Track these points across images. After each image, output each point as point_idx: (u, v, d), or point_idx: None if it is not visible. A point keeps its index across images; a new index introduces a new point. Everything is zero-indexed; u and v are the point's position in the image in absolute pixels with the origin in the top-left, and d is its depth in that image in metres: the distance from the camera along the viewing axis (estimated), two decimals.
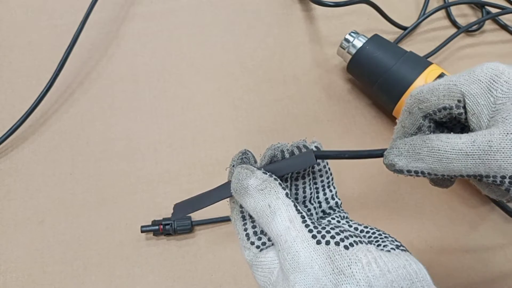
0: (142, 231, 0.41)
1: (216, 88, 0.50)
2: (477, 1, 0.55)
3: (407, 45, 0.53)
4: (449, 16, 0.55)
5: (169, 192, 0.44)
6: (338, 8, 0.50)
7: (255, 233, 0.25)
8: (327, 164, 0.29)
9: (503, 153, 0.22)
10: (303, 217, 0.24)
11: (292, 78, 0.50)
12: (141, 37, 0.52)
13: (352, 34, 0.46)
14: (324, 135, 0.47)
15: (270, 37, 0.53)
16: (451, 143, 0.24)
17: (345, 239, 0.22)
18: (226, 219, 0.42)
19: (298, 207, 0.24)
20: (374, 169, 0.45)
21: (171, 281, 0.40)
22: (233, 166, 0.27)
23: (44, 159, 0.45)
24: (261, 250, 0.25)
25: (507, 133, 0.22)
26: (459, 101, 0.25)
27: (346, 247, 0.22)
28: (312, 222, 0.24)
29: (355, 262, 0.21)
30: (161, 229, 0.41)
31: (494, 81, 0.24)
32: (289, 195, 0.24)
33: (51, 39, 0.52)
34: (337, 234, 0.23)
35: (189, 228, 0.41)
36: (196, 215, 0.42)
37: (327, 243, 0.22)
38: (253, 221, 0.26)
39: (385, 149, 0.28)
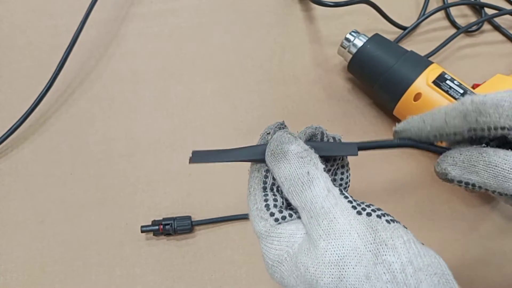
0: (142, 231, 0.41)
1: (216, 88, 0.50)
2: (477, 2, 0.55)
3: (407, 45, 0.53)
4: (448, 16, 0.55)
5: (169, 192, 0.44)
6: (338, 8, 0.50)
7: (275, 205, 0.24)
8: (349, 170, 0.28)
9: None
10: (340, 190, 0.23)
11: (292, 78, 0.50)
12: (141, 37, 0.52)
13: (352, 33, 0.47)
14: None
15: (270, 37, 0.53)
16: (509, 162, 0.24)
17: (385, 215, 0.22)
18: (226, 219, 0.42)
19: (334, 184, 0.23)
20: (374, 169, 0.45)
21: (171, 281, 0.40)
22: (269, 133, 0.26)
23: (44, 159, 0.45)
24: (280, 223, 0.23)
25: None
26: None
27: (388, 222, 0.21)
28: (350, 196, 0.23)
29: (397, 237, 0.20)
30: (161, 229, 0.41)
31: None
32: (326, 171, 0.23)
33: (51, 39, 0.52)
34: (377, 209, 0.22)
35: (189, 228, 0.41)
36: (196, 215, 0.43)
37: (368, 214, 0.21)
38: (274, 194, 0.24)
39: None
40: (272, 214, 0.24)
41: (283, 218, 0.24)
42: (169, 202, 0.43)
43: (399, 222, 0.22)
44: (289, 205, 0.25)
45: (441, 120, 0.26)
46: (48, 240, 0.42)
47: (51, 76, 0.46)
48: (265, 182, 0.25)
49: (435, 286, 0.19)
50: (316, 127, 0.26)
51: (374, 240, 0.20)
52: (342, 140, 0.27)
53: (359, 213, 0.21)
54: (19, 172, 0.45)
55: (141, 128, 0.47)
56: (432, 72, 0.43)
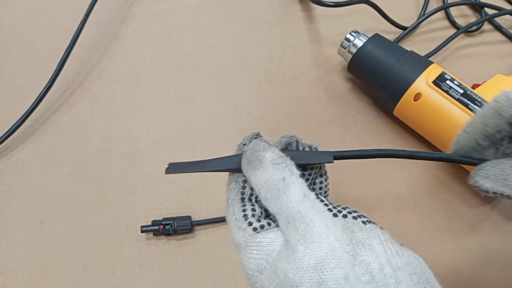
0: (142, 231, 0.41)
1: (216, 88, 0.50)
2: (477, 2, 0.55)
3: (407, 45, 0.53)
4: (448, 16, 0.55)
5: (169, 192, 0.44)
6: (338, 8, 0.50)
7: (253, 215, 0.24)
8: (328, 178, 0.28)
9: None
10: (316, 195, 0.23)
11: (292, 78, 0.50)
12: (141, 37, 0.52)
13: (352, 33, 0.47)
14: (324, 135, 0.47)
15: (270, 37, 0.53)
16: None
17: (361, 216, 0.22)
18: (226, 219, 0.42)
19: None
20: (373, 169, 0.45)
21: (171, 281, 0.40)
22: (245, 144, 0.26)
23: (44, 159, 0.45)
24: (258, 232, 0.23)
25: None
26: None
27: (364, 223, 0.21)
28: (326, 199, 0.23)
29: (374, 237, 0.20)
30: (161, 229, 0.41)
31: None
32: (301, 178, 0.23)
33: (51, 39, 0.52)
34: (353, 211, 0.22)
35: (189, 228, 0.41)
36: (196, 215, 0.43)
37: (344, 216, 0.21)
38: (252, 204, 0.25)
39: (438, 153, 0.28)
40: (250, 224, 0.24)
41: (262, 227, 0.24)
42: (169, 202, 0.43)
43: (375, 223, 0.22)
44: (267, 215, 0.25)
45: (481, 124, 0.27)
46: (48, 240, 0.42)
47: (51, 76, 0.46)
48: (243, 193, 0.25)
49: (415, 285, 0.19)
50: (291, 136, 0.26)
51: (351, 241, 0.20)
52: (319, 149, 0.27)
53: (335, 215, 0.21)
54: (19, 172, 0.45)
55: (141, 128, 0.47)
56: (432, 72, 0.43)
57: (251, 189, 0.25)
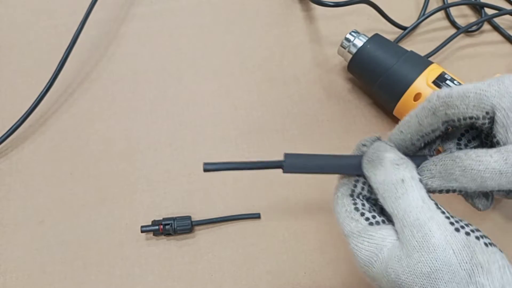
0: (142, 231, 0.41)
1: (216, 88, 0.50)
2: (477, 2, 0.55)
3: (407, 45, 0.53)
4: (448, 16, 0.55)
5: (169, 192, 0.44)
6: (338, 8, 0.50)
7: (363, 209, 0.25)
8: None
9: None
10: (436, 204, 0.23)
11: (292, 78, 0.50)
12: (141, 37, 0.52)
13: (352, 33, 0.47)
14: (324, 135, 0.47)
15: (270, 37, 0.53)
16: (483, 162, 0.24)
17: (484, 237, 0.22)
18: (226, 219, 0.42)
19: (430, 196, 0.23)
20: None
21: (171, 281, 0.40)
22: (364, 145, 0.26)
23: (44, 159, 0.45)
24: (371, 224, 0.24)
25: None
26: (487, 112, 0.25)
27: (486, 244, 0.22)
28: (447, 211, 0.23)
29: (493, 262, 0.21)
30: (161, 229, 0.41)
31: None
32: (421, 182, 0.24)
33: (51, 39, 0.52)
34: (476, 230, 0.23)
35: (189, 228, 0.41)
36: (196, 215, 0.43)
37: (467, 234, 0.22)
38: (362, 200, 0.25)
39: None
40: (362, 214, 0.24)
41: (373, 217, 0.24)
42: (169, 202, 0.43)
43: (496, 246, 0.22)
44: (378, 212, 0.25)
45: (416, 124, 0.27)
46: (48, 240, 0.42)
47: (51, 76, 0.46)
48: (353, 190, 0.26)
49: None
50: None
51: (470, 260, 0.21)
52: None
53: (457, 230, 0.22)
54: (19, 172, 0.45)
55: (141, 128, 0.47)
56: (432, 72, 0.43)
57: (361, 188, 0.25)
